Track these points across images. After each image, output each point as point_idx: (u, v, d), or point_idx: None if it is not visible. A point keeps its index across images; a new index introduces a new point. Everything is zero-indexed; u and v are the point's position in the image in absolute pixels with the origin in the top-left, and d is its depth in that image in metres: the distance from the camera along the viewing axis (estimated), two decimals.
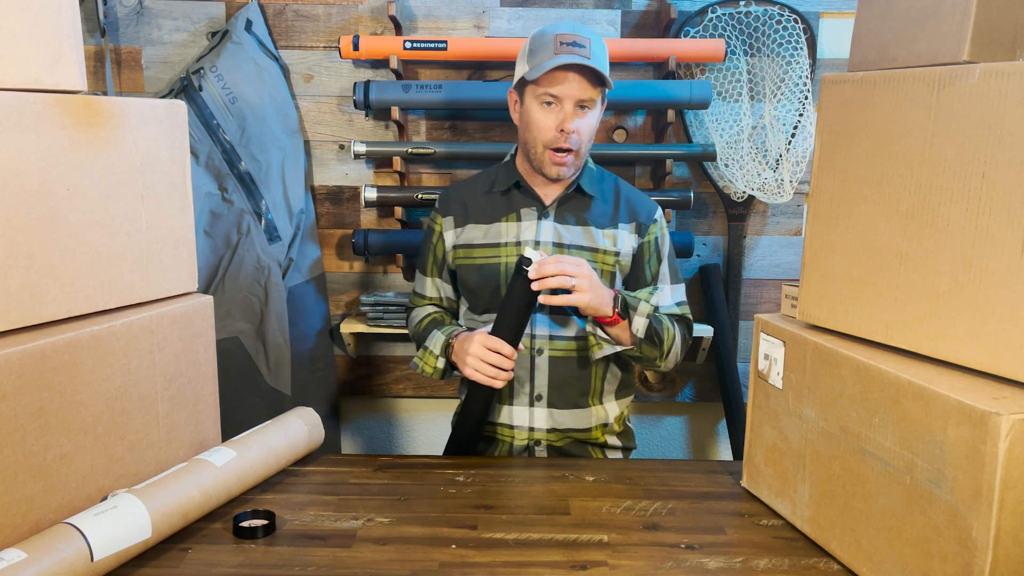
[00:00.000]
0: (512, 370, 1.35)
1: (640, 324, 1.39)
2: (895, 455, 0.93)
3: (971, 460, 0.81)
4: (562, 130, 1.39)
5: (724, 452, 2.42)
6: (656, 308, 1.43)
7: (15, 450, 0.97)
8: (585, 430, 1.52)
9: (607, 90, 1.43)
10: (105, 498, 1.07)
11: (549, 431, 1.50)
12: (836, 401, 1.03)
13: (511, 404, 1.50)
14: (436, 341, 1.48)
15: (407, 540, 1.09)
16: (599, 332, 1.41)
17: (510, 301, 1.33)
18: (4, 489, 0.96)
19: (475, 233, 1.51)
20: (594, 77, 1.38)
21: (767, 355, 1.20)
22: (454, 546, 1.08)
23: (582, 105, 1.40)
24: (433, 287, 1.60)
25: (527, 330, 1.45)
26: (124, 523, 0.98)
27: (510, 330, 1.33)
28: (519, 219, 1.49)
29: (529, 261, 1.29)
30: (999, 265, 0.86)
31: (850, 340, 1.06)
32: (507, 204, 1.51)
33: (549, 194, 1.50)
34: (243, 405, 2.09)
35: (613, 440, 1.56)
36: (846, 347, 1.03)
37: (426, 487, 1.27)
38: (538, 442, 1.50)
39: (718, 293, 2.22)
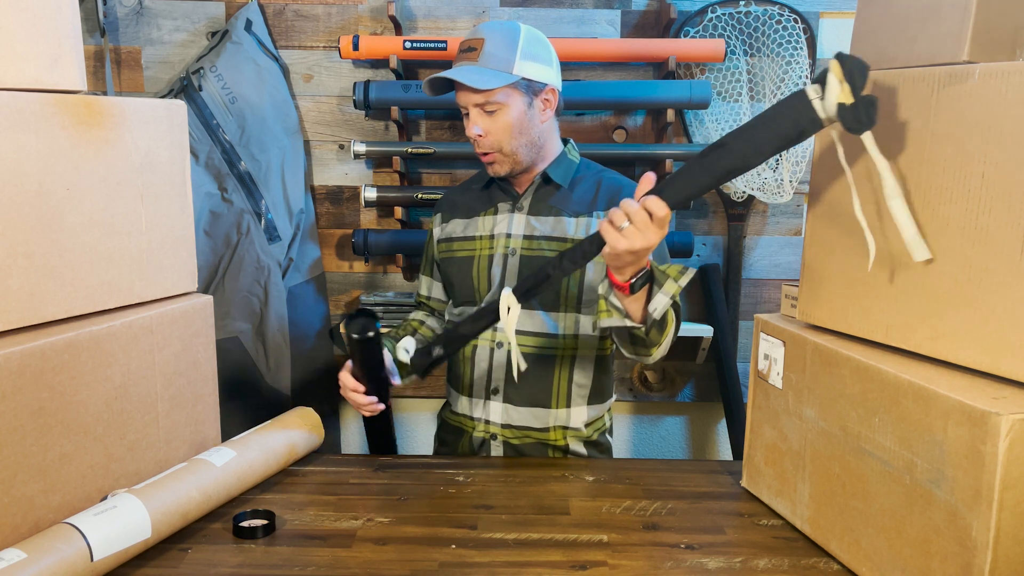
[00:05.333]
0: (370, 405, 1.37)
1: (661, 304, 1.23)
2: (895, 455, 0.93)
3: (971, 460, 0.81)
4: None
5: (724, 452, 2.42)
6: (680, 292, 1.29)
7: (15, 450, 0.97)
8: (542, 430, 1.48)
9: (515, 82, 1.36)
10: (105, 498, 1.07)
11: (504, 427, 1.48)
12: (836, 401, 1.03)
13: (470, 396, 1.50)
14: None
15: (407, 540, 1.09)
16: (611, 298, 1.25)
17: (362, 362, 1.36)
18: (4, 489, 0.96)
19: (456, 227, 1.54)
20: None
21: (767, 355, 1.20)
22: (454, 546, 1.08)
23: (485, 108, 1.38)
24: (426, 285, 1.64)
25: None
26: (124, 523, 0.98)
27: (365, 380, 1.37)
28: (496, 212, 1.51)
29: (372, 326, 1.31)
30: (999, 265, 0.86)
31: (850, 340, 1.06)
32: (487, 199, 1.54)
33: (522, 185, 1.51)
34: (243, 405, 2.09)
35: (578, 447, 1.49)
36: (846, 347, 1.03)
37: (426, 487, 1.27)
38: (494, 436, 1.49)
39: (718, 293, 2.22)
